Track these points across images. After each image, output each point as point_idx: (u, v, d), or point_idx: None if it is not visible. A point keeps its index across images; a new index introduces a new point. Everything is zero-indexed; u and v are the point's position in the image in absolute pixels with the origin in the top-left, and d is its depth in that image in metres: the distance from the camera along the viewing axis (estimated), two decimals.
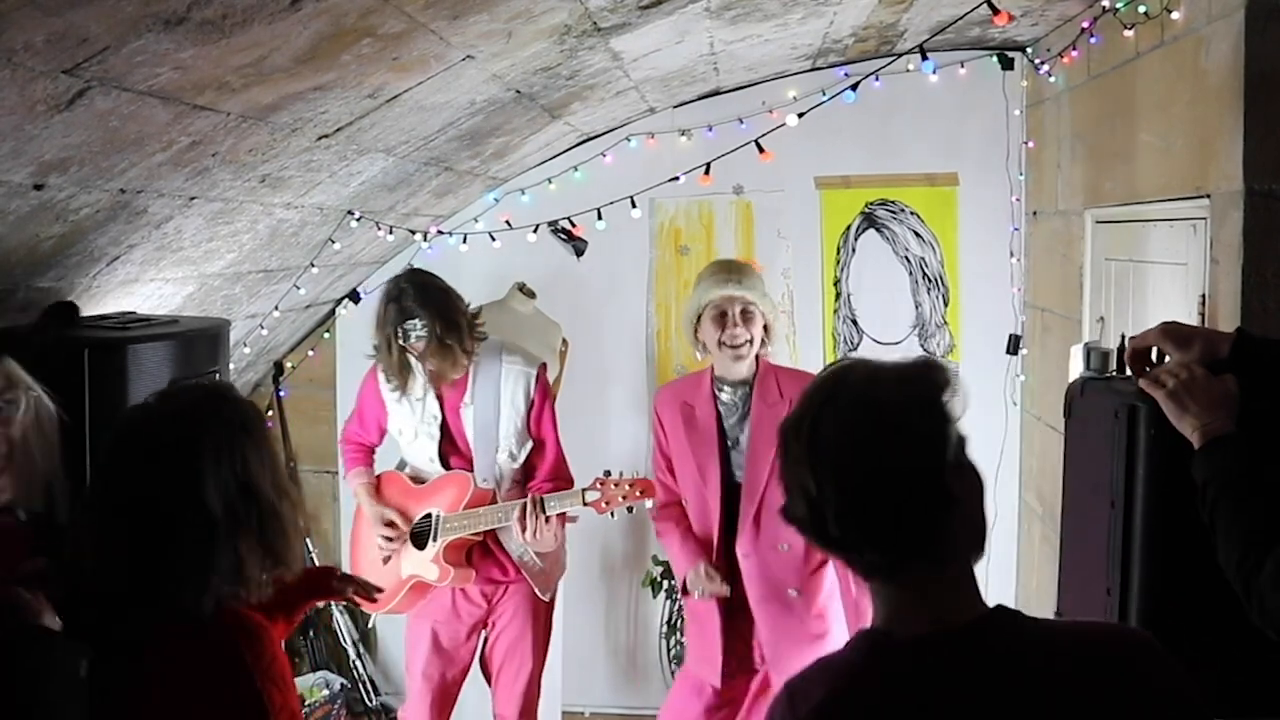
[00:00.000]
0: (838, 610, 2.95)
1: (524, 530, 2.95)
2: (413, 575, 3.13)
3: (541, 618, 3.24)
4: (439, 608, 3.19)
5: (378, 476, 3.29)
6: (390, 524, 3.14)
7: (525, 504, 2.97)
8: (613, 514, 2.98)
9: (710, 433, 2.94)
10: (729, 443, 2.94)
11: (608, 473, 2.99)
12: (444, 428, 3.13)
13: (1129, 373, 1.88)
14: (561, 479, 3.14)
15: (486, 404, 3.11)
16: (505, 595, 3.19)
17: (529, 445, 3.15)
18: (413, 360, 3.05)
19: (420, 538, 3.14)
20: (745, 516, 2.87)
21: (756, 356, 2.94)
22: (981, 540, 1.26)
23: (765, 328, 2.92)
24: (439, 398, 3.12)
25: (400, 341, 3.00)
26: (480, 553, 3.15)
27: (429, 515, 3.14)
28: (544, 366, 3.21)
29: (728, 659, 2.92)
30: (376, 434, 3.31)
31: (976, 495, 1.26)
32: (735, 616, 2.91)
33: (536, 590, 3.18)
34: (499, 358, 3.14)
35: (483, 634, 3.25)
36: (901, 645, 1.21)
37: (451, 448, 3.15)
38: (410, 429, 3.17)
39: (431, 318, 2.97)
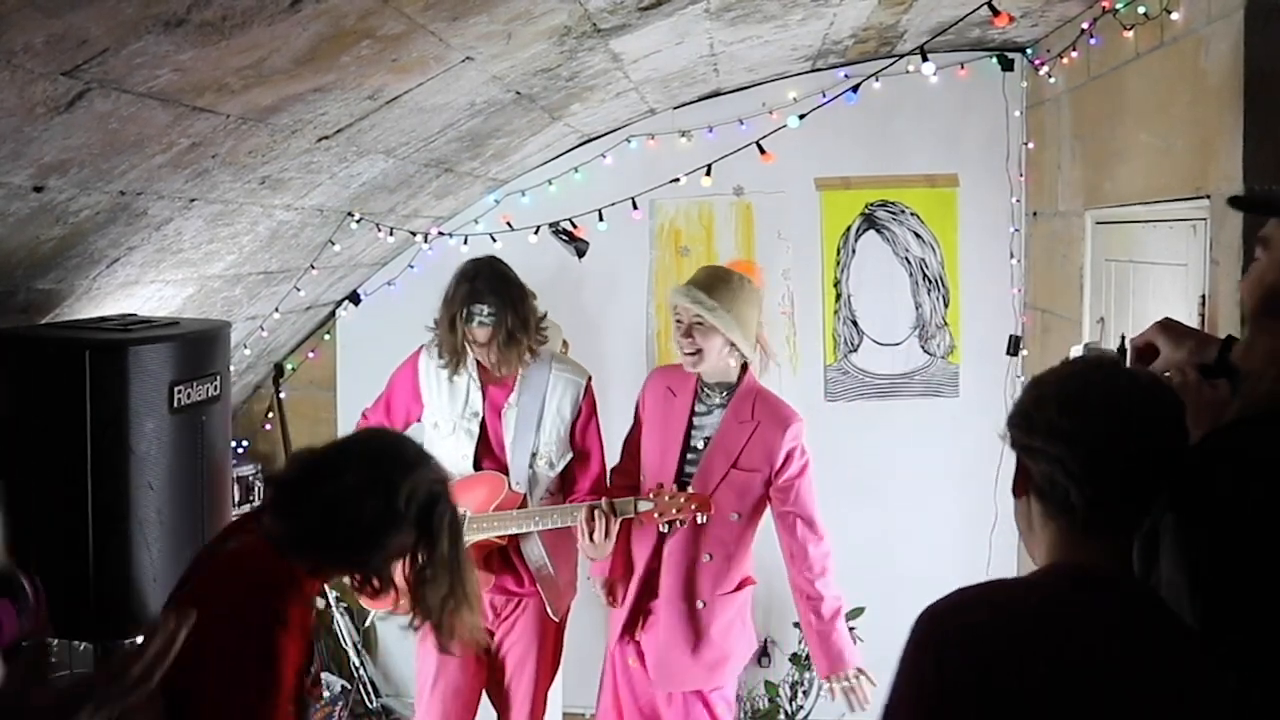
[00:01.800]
0: (737, 639, 3.02)
1: (590, 534, 2.86)
2: None
3: (550, 638, 3.16)
4: None
5: None
6: None
7: (592, 508, 2.88)
8: (663, 527, 2.90)
9: (680, 425, 3.01)
10: (690, 442, 2.99)
11: (660, 485, 2.92)
12: (482, 426, 3.07)
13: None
14: (601, 492, 3.07)
15: (531, 408, 3.05)
16: (516, 610, 3.11)
17: (569, 456, 3.10)
18: (468, 348, 2.99)
19: None
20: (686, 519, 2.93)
21: (744, 368, 2.98)
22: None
23: (733, 345, 2.91)
24: (483, 395, 3.06)
25: (464, 323, 2.93)
26: (499, 561, 3.07)
27: None
28: (590, 379, 3.16)
29: (629, 640, 3.05)
30: (402, 424, 3.21)
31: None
32: (646, 612, 3.02)
33: (549, 608, 3.10)
34: (548, 365, 3.10)
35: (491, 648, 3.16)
36: (1102, 583, 1.35)
37: (486, 449, 3.08)
38: (448, 423, 3.08)
39: (502, 307, 2.91)
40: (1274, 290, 1.51)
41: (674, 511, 2.85)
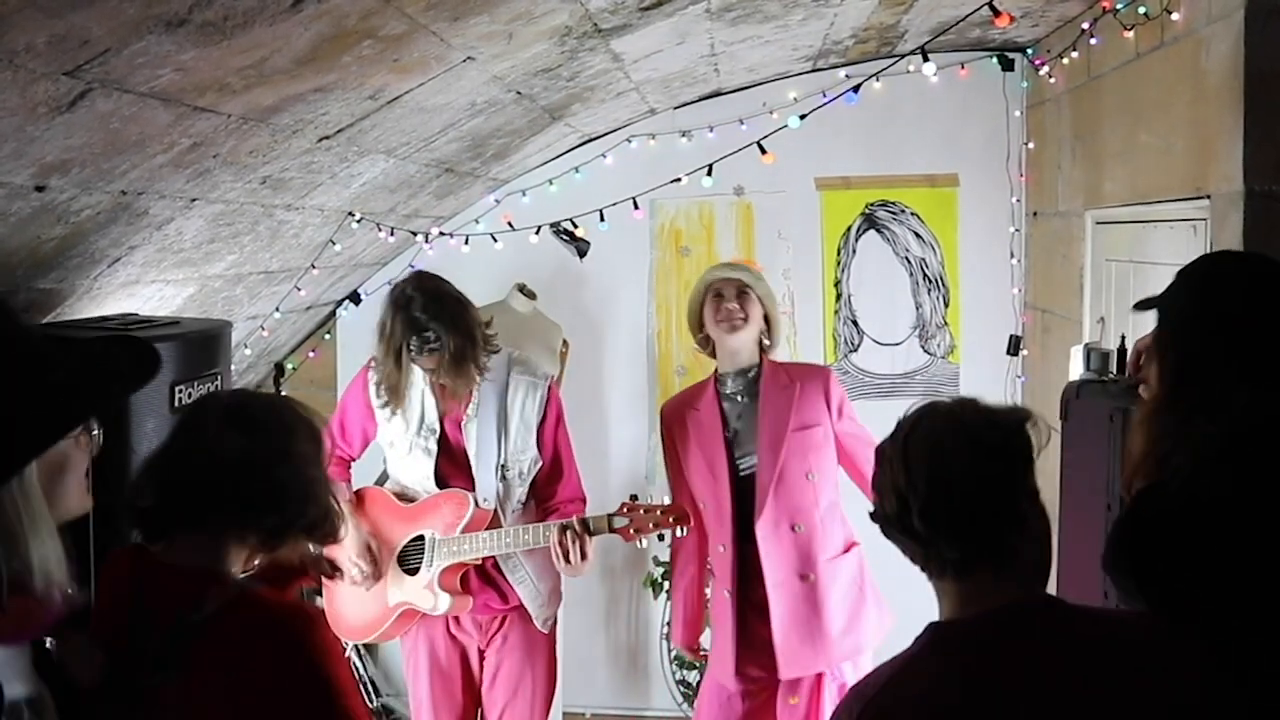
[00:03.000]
0: (860, 604, 2.90)
1: (565, 557, 2.71)
2: (403, 603, 2.87)
3: (542, 652, 2.99)
4: (432, 641, 2.96)
5: (356, 493, 2.98)
6: (368, 551, 2.84)
7: (564, 527, 2.72)
8: (641, 542, 2.79)
9: (716, 428, 2.92)
10: (730, 434, 2.91)
11: (634, 497, 2.80)
12: (442, 442, 2.88)
13: (1129, 375, 1.89)
14: (580, 500, 2.95)
15: (492, 417, 2.85)
16: (501, 627, 2.95)
17: (539, 464, 2.92)
18: (415, 370, 2.82)
19: (410, 562, 2.87)
20: (763, 497, 2.83)
21: (761, 352, 2.93)
22: (1046, 568, 1.41)
23: (766, 319, 2.91)
24: (439, 410, 2.88)
25: (412, 354, 2.72)
26: (479, 580, 2.90)
27: (420, 537, 2.86)
28: (553, 380, 3.00)
29: (742, 659, 2.88)
30: (359, 445, 3.03)
31: (1043, 529, 1.40)
32: (750, 614, 2.87)
33: (536, 621, 2.93)
34: (506, 369, 2.89)
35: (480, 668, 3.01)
36: (956, 626, 1.37)
37: (450, 465, 2.88)
38: (404, 443, 2.89)
39: (446, 332, 2.70)
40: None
41: (650, 526, 2.75)
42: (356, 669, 4.38)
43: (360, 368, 3.01)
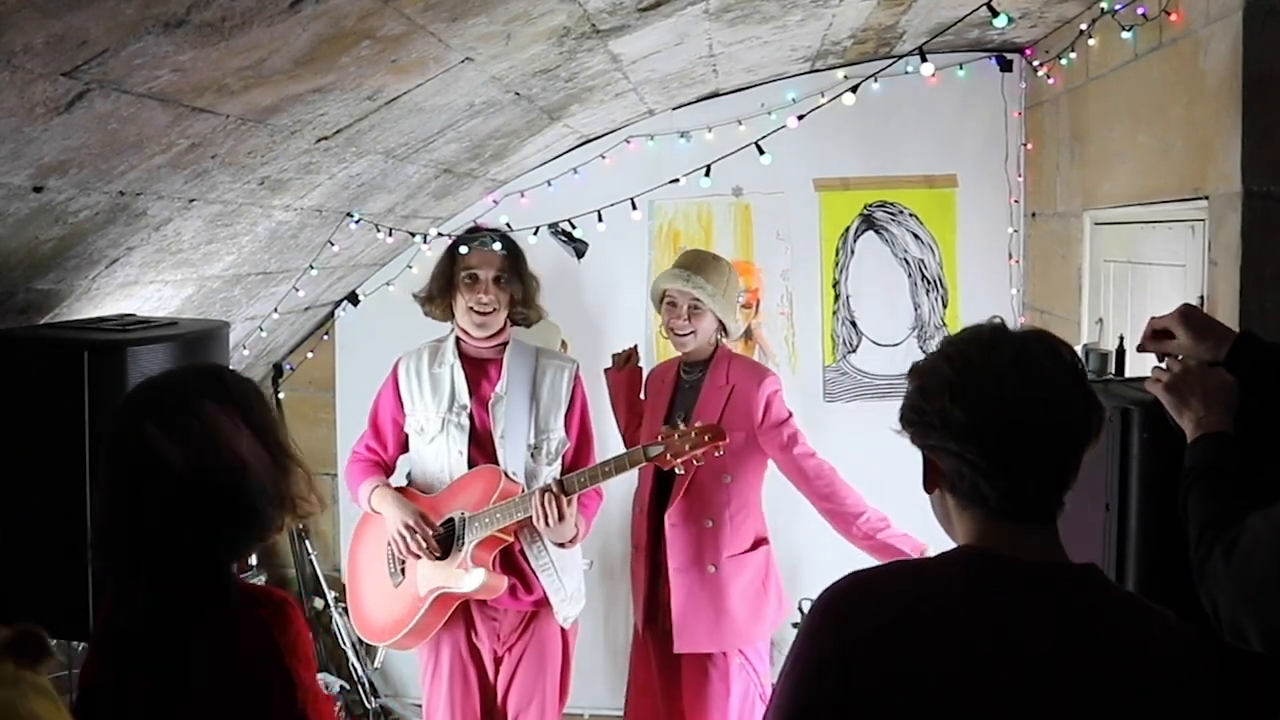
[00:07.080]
0: (758, 601, 3.03)
1: (544, 518, 2.72)
2: (436, 588, 2.87)
3: (557, 657, 3.00)
4: (454, 645, 2.98)
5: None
6: (421, 520, 2.87)
7: (542, 491, 2.73)
8: (679, 468, 2.72)
9: (661, 407, 3.13)
10: (671, 418, 3.06)
11: (674, 425, 2.76)
12: (470, 420, 2.94)
13: (1126, 373, 1.89)
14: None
15: (520, 398, 2.93)
16: (520, 633, 2.98)
17: (566, 445, 2.99)
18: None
19: (441, 547, 2.90)
20: (677, 490, 2.96)
21: (718, 343, 3.11)
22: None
23: (722, 325, 3.07)
24: (469, 386, 2.96)
25: (465, 247, 2.97)
26: (504, 567, 2.92)
27: (450, 520, 2.89)
28: (579, 366, 3.12)
29: (649, 616, 3.11)
30: (394, 442, 3.07)
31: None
32: (660, 586, 3.06)
33: (558, 617, 2.96)
34: (534, 355, 3.02)
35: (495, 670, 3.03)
36: (1007, 564, 1.28)
37: (475, 449, 2.93)
38: (435, 422, 2.95)
39: (509, 247, 3.00)
40: None
41: (687, 449, 2.68)
42: (355, 669, 4.38)
43: (388, 372, 3.11)
